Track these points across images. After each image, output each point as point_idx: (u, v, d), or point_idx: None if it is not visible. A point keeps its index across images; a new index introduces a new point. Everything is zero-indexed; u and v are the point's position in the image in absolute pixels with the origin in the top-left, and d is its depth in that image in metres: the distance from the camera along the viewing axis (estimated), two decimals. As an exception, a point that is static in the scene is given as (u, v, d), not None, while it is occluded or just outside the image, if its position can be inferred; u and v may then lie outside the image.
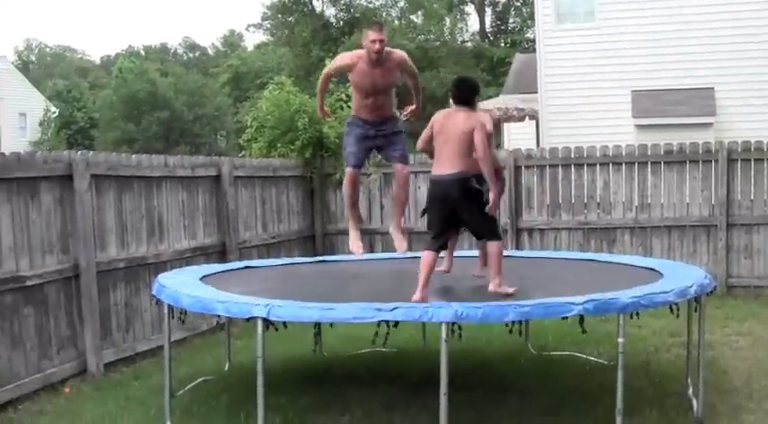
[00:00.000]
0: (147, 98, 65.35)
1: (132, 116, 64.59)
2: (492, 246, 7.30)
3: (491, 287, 7.21)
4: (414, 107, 8.71)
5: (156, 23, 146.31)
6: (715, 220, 13.54)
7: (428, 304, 5.99)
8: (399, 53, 8.47)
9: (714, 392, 7.77)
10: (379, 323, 6.17)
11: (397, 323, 6.26)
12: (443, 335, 5.75)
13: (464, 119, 7.19)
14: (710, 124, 21.25)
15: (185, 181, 11.20)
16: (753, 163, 13.50)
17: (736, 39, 21.50)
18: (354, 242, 8.82)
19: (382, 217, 14.29)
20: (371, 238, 13.93)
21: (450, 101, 7.45)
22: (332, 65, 8.78)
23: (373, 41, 8.10)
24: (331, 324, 8.00)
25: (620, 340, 6.07)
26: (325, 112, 9.26)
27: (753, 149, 13.53)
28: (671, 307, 6.89)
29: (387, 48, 8.23)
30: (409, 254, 8.63)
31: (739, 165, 13.54)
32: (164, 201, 10.74)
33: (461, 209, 7.17)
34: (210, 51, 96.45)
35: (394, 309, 5.89)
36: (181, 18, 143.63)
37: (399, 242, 8.61)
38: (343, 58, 8.61)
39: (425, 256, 7.11)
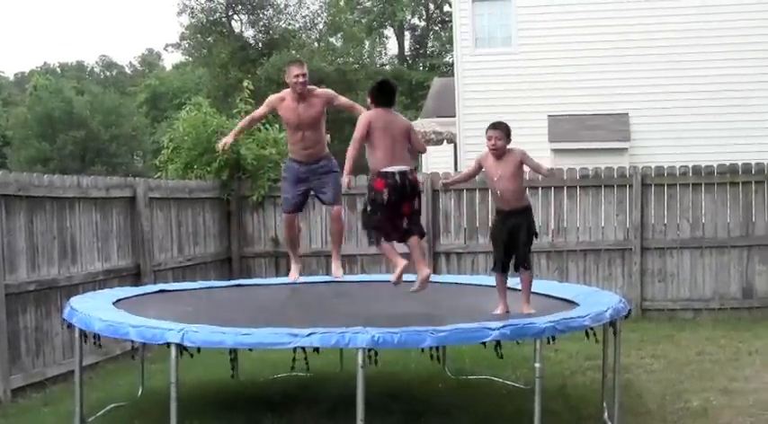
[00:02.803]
0: (63, 116, 64.42)
1: (47, 134, 63.61)
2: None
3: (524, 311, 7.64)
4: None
5: (72, 41, 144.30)
6: (630, 244, 13.72)
7: (345, 330, 5.91)
8: (324, 90, 9.24)
9: (629, 415, 7.81)
10: (294, 349, 6.11)
11: (317, 349, 6.26)
12: (360, 361, 5.69)
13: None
14: (625, 149, 21.61)
15: (99, 201, 11.01)
16: (666, 188, 13.73)
17: (650, 67, 21.92)
18: (293, 273, 9.67)
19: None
20: (288, 260, 13.80)
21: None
22: (263, 106, 9.40)
23: (297, 76, 8.87)
24: (250, 350, 7.91)
25: (537, 365, 6.08)
26: (230, 139, 9.74)
27: (666, 174, 13.76)
28: (587, 332, 6.93)
29: (311, 86, 9.05)
30: (334, 279, 8.98)
31: (653, 190, 13.76)
32: (77, 222, 10.53)
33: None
34: (128, 70, 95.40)
35: (310, 335, 5.83)
36: (98, 36, 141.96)
37: (336, 270, 9.28)
38: (271, 97, 9.32)
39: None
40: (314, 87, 9.20)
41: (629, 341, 10.86)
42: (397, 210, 7.63)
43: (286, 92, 9.16)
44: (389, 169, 7.54)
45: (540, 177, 13.71)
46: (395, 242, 7.81)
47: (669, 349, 11.15)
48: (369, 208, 7.72)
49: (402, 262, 7.72)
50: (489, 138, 7.84)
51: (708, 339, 11.78)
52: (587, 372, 9.75)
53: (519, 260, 7.88)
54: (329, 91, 9.30)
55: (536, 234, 8.05)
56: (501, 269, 7.96)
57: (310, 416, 7.98)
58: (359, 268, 13.90)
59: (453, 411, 8.12)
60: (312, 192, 9.52)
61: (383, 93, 7.84)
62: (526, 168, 7.90)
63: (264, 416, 7.96)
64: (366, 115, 7.84)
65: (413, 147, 7.83)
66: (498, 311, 7.87)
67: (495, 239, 8.03)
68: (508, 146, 7.87)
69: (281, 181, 9.57)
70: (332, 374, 9.53)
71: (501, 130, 7.83)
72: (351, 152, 7.73)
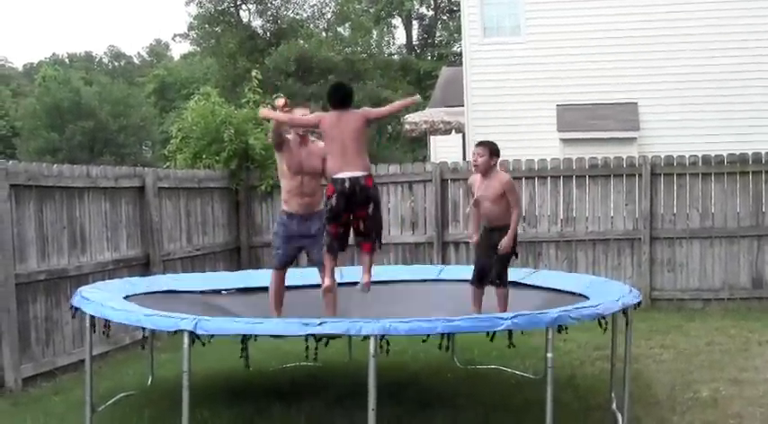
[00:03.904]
0: (72, 107, 64.48)
1: (56, 125, 63.69)
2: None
3: None
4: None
5: (80, 31, 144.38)
6: (639, 234, 13.70)
7: (355, 319, 5.92)
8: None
9: (639, 405, 7.82)
10: (306, 338, 6.13)
11: (327, 341, 6.29)
12: (371, 349, 5.68)
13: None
14: (634, 139, 21.51)
15: (108, 191, 11.02)
16: (675, 177, 13.70)
17: (659, 55, 21.82)
18: None
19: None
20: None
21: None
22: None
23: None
24: (255, 338, 7.91)
25: (549, 354, 6.06)
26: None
27: (675, 164, 13.73)
28: (599, 321, 6.93)
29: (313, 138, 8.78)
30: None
31: (662, 180, 13.73)
32: (86, 212, 10.55)
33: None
34: (136, 60, 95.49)
35: (321, 323, 5.83)
36: (106, 26, 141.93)
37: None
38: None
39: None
40: (315, 139, 8.87)
41: (639, 331, 10.83)
42: (348, 217, 7.53)
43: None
44: (339, 175, 7.38)
45: (548, 165, 13.79)
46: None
47: (678, 339, 11.13)
48: (326, 214, 7.65)
49: (326, 284, 7.72)
50: (473, 155, 8.35)
51: (717, 329, 11.77)
52: (596, 362, 9.75)
53: (493, 280, 8.29)
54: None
55: (516, 255, 8.52)
56: (474, 282, 8.46)
57: (319, 405, 7.99)
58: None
59: (462, 401, 8.13)
60: (304, 251, 9.05)
61: (334, 95, 7.64)
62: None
63: (273, 405, 7.98)
64: (317, 114, 7.93)
65: (376, 120, 7.76)
66: None
67: (475, 254, 8.61)
68: (498, 168, 8.41)
69: (273, 236, 9.29)
70: (340, 363, 9.54)
71: (483, 147, 8.29)
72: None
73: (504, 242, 8.17)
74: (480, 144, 8.40)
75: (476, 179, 8.44)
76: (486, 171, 8.27)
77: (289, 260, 8.94)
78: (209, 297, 9.13)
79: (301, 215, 8.71)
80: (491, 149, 8.26)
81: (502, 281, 8.28)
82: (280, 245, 8.87)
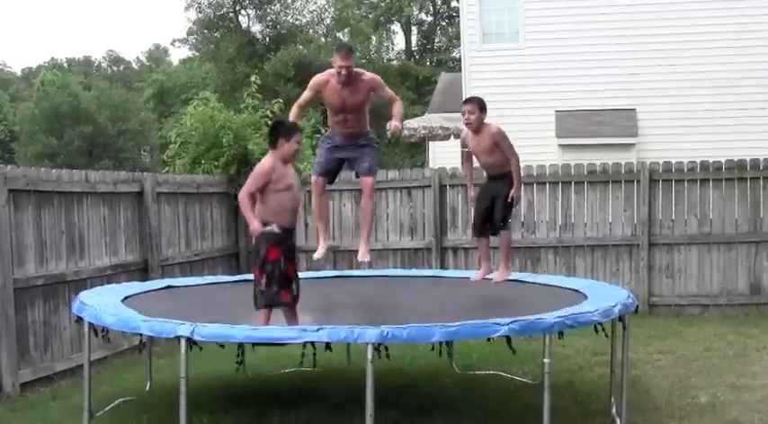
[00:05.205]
0: (70, 111, 64.44)
1: (54, 129, 63.65)
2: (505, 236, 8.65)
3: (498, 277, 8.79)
4: (395, 124, 8.47)
5: (79, 36, 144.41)
6: (637, 240, 13.69)
7: (354, 325, 5.91)
8: (372, 76, 8.63)
9: (637, 410, 7.81)
10: (304, 344, 6.13)
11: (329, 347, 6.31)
12: (369, 356, 5.69)
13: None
14: (633, 145, 21.55)
15: (107, 196, 11.01)
16: (674, 183, 13.70)
17: (658, 62, 21.85)
18: (320, 250, 8.68)
19: (306, 235, 14.19)
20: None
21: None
22: (307, 91, 8.71)
23: (340, 67, 8.27)
24: (253, 346, 7.92)
25: (546, 360, 6.07)
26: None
27: (674, 170, 13.73)
28: (596, 327, 6.94)
29: (358, 70, 8.45)
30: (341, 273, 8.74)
31: (661, 186, 13.72)
32: (84, 217, 10.54)
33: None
34: (135, 65, 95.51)
35: (319, 330, 5.82)
36: (105, 31, 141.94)
37: (363, 254, 8.67)
38: (316, 77, 8.68)
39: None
40: (362, 71, 8.61)
41: (637, 337, 10.83)
42: None
43: (331, 72, 8.52)
44: None
45: (547, 171, 13.79)
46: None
47: (676, 345, 11.14)
48: None
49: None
50: (463, 114, 8.43)
51: (715, 335, 11.77)
52: (595, 367, 9.74)
53: (496, 223, 8.47)
54: (376, 79, 8.70)
55: (516, 200, 8.61)
56: (477, 233, 8.75)
57: (318, 411, 7.98)
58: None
59: (461, 406, 8.13)
60: (347, 163, 8.90)
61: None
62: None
63: (272, 411, 7.96)
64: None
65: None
66: (476, 276, 8.92)
67: (476, 204, 8.81)
68: (486, 121, 8.47)
69: (318, 148, 9.10)
70: (339, 369, 9.53)
71: (472, 104, 8.43)
72: None
73: (515, 193, 8.45)
74: (468, 101, 8.56)
75: (468, 134, 8.62)
76: (479, 127, 8.44)
77: (331, 169, 8.77)
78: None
79: (345, 135, 8.61)
80: (480, 105, 8.43)
81: (506, 224, 8.52)
82: (323, 154, 8.77)
